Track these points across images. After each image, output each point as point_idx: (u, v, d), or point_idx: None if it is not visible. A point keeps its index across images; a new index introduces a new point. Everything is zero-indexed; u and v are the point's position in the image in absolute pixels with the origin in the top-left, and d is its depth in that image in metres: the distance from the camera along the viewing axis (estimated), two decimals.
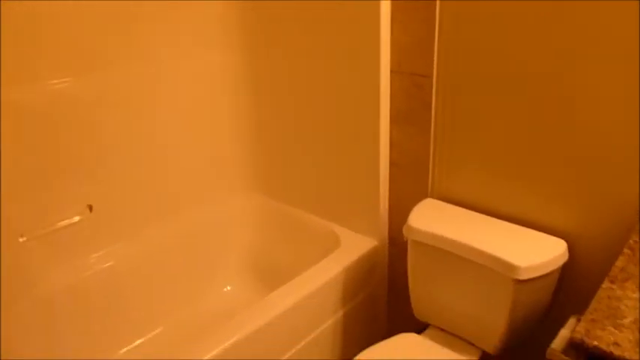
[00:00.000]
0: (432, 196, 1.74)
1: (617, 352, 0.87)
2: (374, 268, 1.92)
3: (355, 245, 1.87)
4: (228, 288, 2.25)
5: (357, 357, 1.51)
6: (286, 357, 1.63)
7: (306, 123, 1.97)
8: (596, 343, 0.89)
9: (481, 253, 1.42)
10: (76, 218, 1.73)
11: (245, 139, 2.21)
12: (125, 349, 1.92)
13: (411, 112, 1.69)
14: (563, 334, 1.12)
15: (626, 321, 0.94)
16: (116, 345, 1.90)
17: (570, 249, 1.47)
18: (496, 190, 1.59)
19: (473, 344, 1.60)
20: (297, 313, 1.63)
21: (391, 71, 1.69)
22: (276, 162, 2.16)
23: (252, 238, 2.28)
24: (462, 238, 1.47)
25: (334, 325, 1.80)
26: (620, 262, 1.11)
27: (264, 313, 1.54)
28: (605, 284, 1.04)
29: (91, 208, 1.75)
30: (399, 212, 1.86)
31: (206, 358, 1.37)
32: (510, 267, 1.36)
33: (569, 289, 1.53)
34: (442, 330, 1.67)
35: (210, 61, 2.03)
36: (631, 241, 1.19)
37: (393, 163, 1.80)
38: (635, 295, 1.00)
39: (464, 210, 1.63)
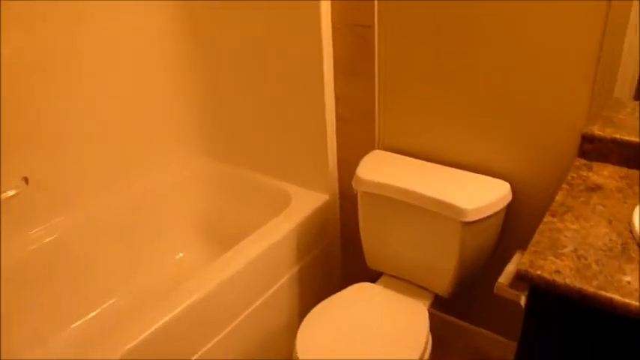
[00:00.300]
0: (380, 148, 1.75)
1: (558, 279, 0.91)
2: (326, 222, 1.93)
3: (306, 201, 1.87)
4: (181, 255, 2.22)
5: (315, 308, 1.53)
6: (245, 315, 1.64)
7: (250, 82, 1.92)
8: (539, 272, 0.93)
9: (429, 199, 1.45)
10: (12, 192, 1.63)
11: (188, 102, 2.14)
12: (78, 323, 1.87)
13: (354, 63, 1.68)
14: (510, 268, 1.17)
15: (566, 250, 0.98)
16: (68, 319, 1.85)
17: (513, 190, 1.52)
18: (441, 138, 1.61)
19: (425, 288, 1.65)
20: (251, 272, 1.62)
21: (333, 23, 1.66)
22: (222, 123, 2.11)
23: (201, 202, 2.24)
24: (410, 185, 1.49)
25: (290, 281, 1.81)
26: (559, 197, 1.16)
27: (217, 274, 1.53)
28: (547, 218, 1.08)
29: (27, 180, 1.66)
30: (348, 166, 1.87)
31: (161, 322, 1.36)
32: (457, 210, 1.40)
33: (514, 228, 1.59)
34: (395, 277, 1.71)
35: (147, 19, 1.92)
36: (569, 177, 1.25)
37: (339, 117, 1.79)
38: (574, 226, 1.05)
39: (411, 159, 1.65)
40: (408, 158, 1.66)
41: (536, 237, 1.02)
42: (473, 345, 1.90)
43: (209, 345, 1.54)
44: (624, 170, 1.27)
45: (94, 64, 1.80)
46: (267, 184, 2.04)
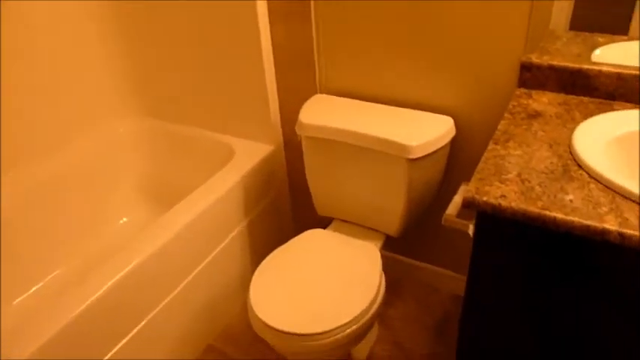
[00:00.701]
0: (322, 92, 1.71)
1: (504, 203, 0.91)
2: (273, 173, 1.89)
3: (250, 153, 1.82)
4: (125, 219, 2.13)
5: (267, 258, 1.50)
6: (196, 272, 1.60)
7: (184, 35, 1.80)
8: (485, 198, 0.93)
9: (373, 139, 1.43)
10: None
11: (121, 60, 2.00)
12: (20, 298, 1.78)
13: (289, 5, 1.60)
14: (456, 200, 1.18)
15: (511, 175, 0.98)
16: (10, 295, 1.76)
17: (457, 124, 1.52)
18: (382, 78, 1.58)
19: (376, 230, 1.65)
20: (198, 229, 1.58)
21: None
22: (158, 80, 1.99)
23: (142, 163, 2.15)
24: (354, 126, 1.46)
25: (241, 234, 1.78)
26: (502, 126, 1.16)
27: (161, 233, 1.48)
28: (490, 146, 1.08)
29: None
30: (290, 113, 1.81)
31: (104, 289, 1.31)
32: (402, 148, 1.39)
33: (459, 163, 1.60)
34: (346, 222, 1.70)
35: None
36: (510, 106, 1.25)
37: (278, 64, 1.73)
38: (517, 152, 1.05)
39: (353, 100, 1.62)
40: (350, 100, 1.62)
41: (480, 165, 1.02)
42: (426, 282, 1.94)
43: (162, 304, 1.50)
44: (562, 96, 1.29)
45: (26, 25, 1.66)
46: (208, 138, 1.97)
